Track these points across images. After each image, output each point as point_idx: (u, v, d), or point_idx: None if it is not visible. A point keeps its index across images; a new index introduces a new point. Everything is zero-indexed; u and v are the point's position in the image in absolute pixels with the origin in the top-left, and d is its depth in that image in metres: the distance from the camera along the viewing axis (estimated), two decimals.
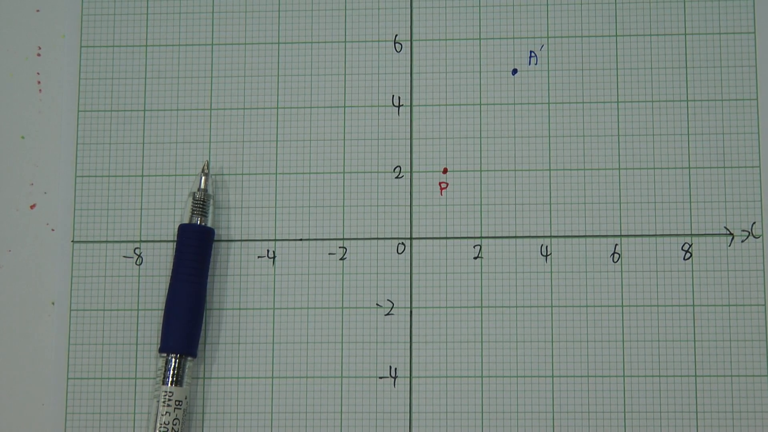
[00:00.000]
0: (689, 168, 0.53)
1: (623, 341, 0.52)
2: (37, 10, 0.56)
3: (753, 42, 0.54)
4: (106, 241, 0.54)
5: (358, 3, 0.55)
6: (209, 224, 0.52)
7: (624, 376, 0.52)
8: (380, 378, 0.52)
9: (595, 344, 0.52)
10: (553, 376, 0.52)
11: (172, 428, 0.50)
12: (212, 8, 0.55)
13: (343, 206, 0.53)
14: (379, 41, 0.55)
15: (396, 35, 0.55)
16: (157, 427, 0.50)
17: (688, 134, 0.53)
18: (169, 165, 0.54)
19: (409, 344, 0.52)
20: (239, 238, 0.53)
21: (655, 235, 0.53)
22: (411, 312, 0.52)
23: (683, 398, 0.51)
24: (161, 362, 0.51)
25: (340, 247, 0.53)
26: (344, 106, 0.54)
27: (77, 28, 0.55)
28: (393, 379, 0.52)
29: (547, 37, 0.54)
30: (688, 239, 0.52)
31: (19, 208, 0.54)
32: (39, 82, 0.55)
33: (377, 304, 0.53)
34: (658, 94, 0.53)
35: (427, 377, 0.52)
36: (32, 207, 0.54)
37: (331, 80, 0.54)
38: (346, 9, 0.55)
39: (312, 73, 0.55)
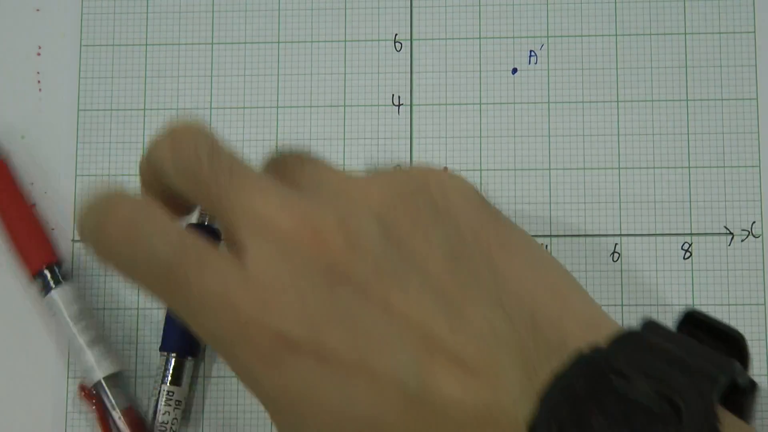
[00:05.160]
0: (689, 168, 0.53)
1: None
2: (37, 10, 0.56)
3: (753, 41, 0.54)
4: None
5: (358, 2, 0.55)
6: (213, 223, 0.52)
7: None
8: None
9: None
10: None
11: (171, 428, 0.50)
12: (212, 7, 0.55)
13: None
14: (379, 41, 0.55)
15: (396, 35, 0.55)
16: (157, 427, 0.50)
17: (688, 134, 0.53)
18: None
19: None
20: None
21: (655, 235, 0.52)
22: None
23: None
24: (161, 361, 0.51)
25: None
26: (344, 106, 0.54)
27: (77, 27, 0.55)
28: None
29: (547, 37, 0.54)
30: (687, 238, 0.52)
31: None
32: (39, 82, 0.55)
33: None
34: (658, 93, 0.53)
35: None
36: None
37: (331, 80, 0.54)
38: (346, 9, 0.55)
39: (312, 72, 0.55)
